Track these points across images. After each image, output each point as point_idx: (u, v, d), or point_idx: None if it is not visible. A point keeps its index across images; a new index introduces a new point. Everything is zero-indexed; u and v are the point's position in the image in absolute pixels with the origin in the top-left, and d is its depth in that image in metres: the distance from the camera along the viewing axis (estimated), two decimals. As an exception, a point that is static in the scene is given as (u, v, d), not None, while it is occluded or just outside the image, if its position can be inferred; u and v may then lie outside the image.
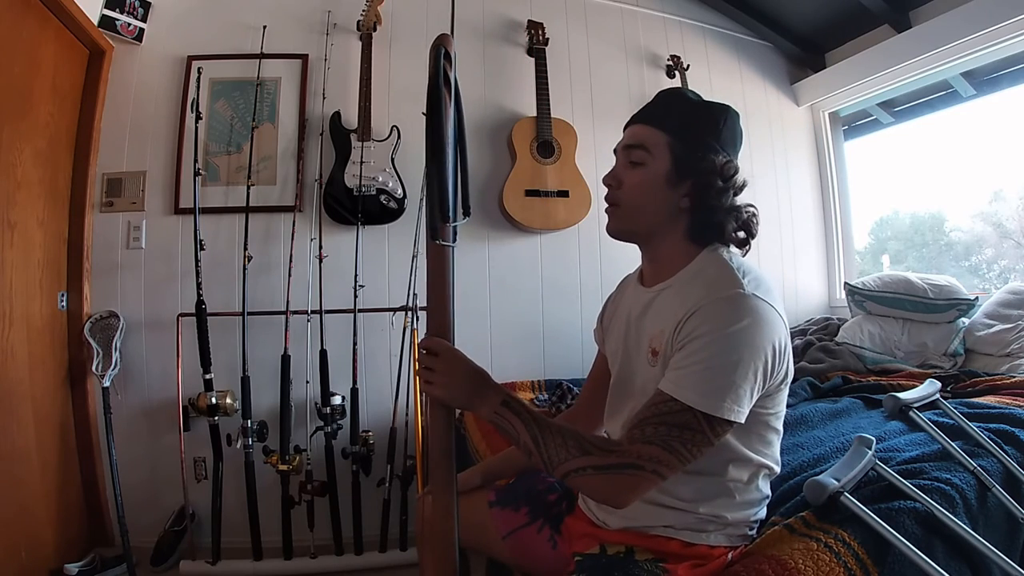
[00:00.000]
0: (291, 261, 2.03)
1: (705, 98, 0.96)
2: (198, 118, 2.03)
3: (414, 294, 1.98)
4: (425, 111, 0.83)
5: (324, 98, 2.17)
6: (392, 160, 2.14)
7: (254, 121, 2.10)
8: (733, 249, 0.94)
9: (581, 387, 1.35)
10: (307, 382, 2.01)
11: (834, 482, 0.94)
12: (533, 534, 1.08)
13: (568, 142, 2.32)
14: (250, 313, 2.00)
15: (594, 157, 2.38)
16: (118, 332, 1.98)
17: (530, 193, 2.26)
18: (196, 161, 2.02)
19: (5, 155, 1.67)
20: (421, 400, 1.88)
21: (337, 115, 2.16)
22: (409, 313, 1.98)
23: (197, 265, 1.93)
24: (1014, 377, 1.69)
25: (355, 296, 2.01)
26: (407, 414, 2.01)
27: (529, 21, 2.41)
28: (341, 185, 2.10)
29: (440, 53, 0.82)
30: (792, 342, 2.30)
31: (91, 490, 2.01)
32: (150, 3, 2.16)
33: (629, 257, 1.00)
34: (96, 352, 1.92)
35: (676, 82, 2.57)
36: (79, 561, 1.80)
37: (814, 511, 0.95)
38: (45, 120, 1.86)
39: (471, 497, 1.16)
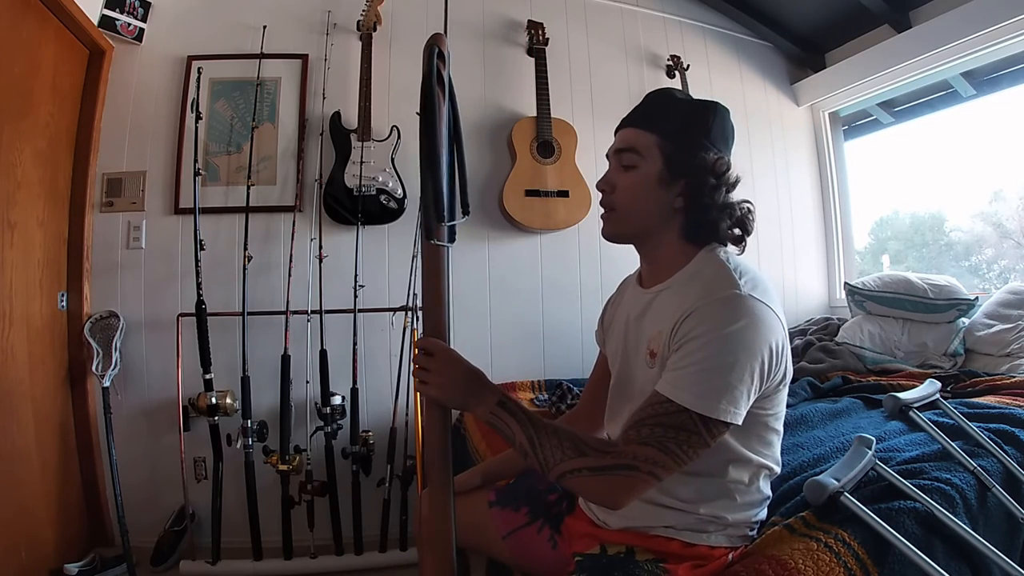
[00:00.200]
0: (291, 261, 2.03)
1: (694, 96, 0.96)
2: (198, 118, 2.03)
3: (414, 294, 1.98)
4: (419, 111, 0.82)
5: (324, 98, 2.17)
6: (392, 160, 2.14)
7: (254, 121, 2.10)
8: (731, 249, 0.94)
9: (581, 387, 1.35)
10: (307, 382, 2.01)
11: (834, 482, 0.94)
12: (533, 534, 1.08)
13: (568, 142, 2.32)
14: (250, 313, 2.00)
15: (594, 157, 2.38)
16: (118, 332, 1.98)
17: (530, 193, 2.26)
18: (196, 161, 2.02)
19: (5, 155, 1.67)
20: (420, 400, 1.89)
21: (337, 115, 2.16)
22: (409, 313, 1.98)
23: (197, 265, 1.93)
24: (1014, 377, 1.69)
25: (355, 296, 2.01)
26: (407, 414, 2.01)
27: (529, 21, 2.41)
28: (341, 185, 2.10)
29: (433, 52, 0.82)
30: (792, 342, 2.32)
31: (91, 490, 2.01)
32: (150, 3, 2.16)
33: (629, 257, 1.00)
34: (96, 352, 1.92)
35: (676, 82, 2.57)
36: (79, 561, 1.80)
37: (814, 511, 0.95)
38: (45, 120, 1.86)
39: (471, 497, 1.16)
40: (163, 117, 2.15)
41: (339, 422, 1.97)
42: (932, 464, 1.10)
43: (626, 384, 0.98)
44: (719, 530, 0.89)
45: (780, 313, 0.84)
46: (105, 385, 1.90)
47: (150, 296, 2.08)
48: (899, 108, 2.72)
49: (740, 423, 0.79)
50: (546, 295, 2.40)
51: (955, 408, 1.31)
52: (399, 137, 2.16)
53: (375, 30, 2.20)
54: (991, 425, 1.27)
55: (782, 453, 0.96)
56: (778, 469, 0.94)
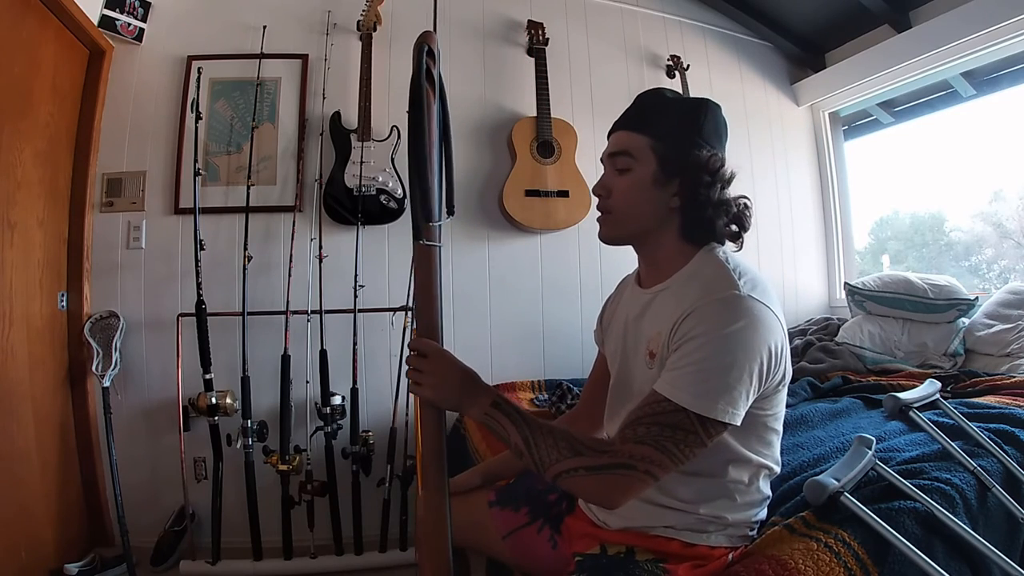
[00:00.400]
0: (291, 261, 2.03)
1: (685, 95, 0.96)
2: (198, 118, 2.03)
3: (414, 294, 1.98)
4: (408, 109, 0.82)
5: (324, 98, 2.17)
6: (392, 160, 2.14)
7: (254, 121, 2.10)
8: (730, 249, 0.93)
9: (581, 387, 1.35)
10: (307, 382, 2.01)
11: (834, 482, 0.94)
12: (533, 534, 1.08)
13: (568, 142, 2.32)
14: (250, 313, 2.00)
15: (594, 157, 2.35)
16: (118, 332, 1.98)
17: (530, 193, 2.26)
18: (196, 161, 2.02)
19: (5, 155, 1.67)
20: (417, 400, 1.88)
21: (337, 115, 2.16)
22: (409, 313, 1.98)
23: (197, 265, 1.93)
24: (1014, 377, 1.69)
25: (355, 296, 2.01)
26: (407, 414, 2.01)
27: (529, 21, 2.41)
28: (341, 185, 2.10)
29: (423, 50, 0.82)
30: (792, 342, 2.32)
31: (91, 490, 2.01)
32: (150, 3, 2.16)
33: (629, 257, 1.00)
34: (96, 352, 1.92)
35: (676, 82, 2.57)
36: (79, 561, 1.80)
37: (814, 511, 0.95)
38: (45, 120, 1.86)
39: (471, 497, 1.16)
40: (163, 117, 2.15)
41: (339, 422, 1.97)
42: (932, 464, 1.10)
43: (625, 384, 0.98)
44: (719, 530, 0.89)
45: (779, 314, 0.84)
46: (105, 385, 1.90)
47: (150, 296, 2.08)
48: (899, 108, 2.72)
49: (738, 424, 0.79)
50: (546, 295, 2.40)
51: (955, 408, 1.31)
52: (399, 137, 2.16)
53: (375, 30, 2.20)
54: (991, 425, 1.27)
55: (782, 453, 0.96)
56: (778, 469, 0.94)
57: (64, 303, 1.98)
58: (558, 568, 1.00)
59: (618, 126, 0.95)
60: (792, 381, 1.95)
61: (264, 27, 2.17)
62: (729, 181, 0.91)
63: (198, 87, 2.05)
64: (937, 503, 0.95)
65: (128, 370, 2.03)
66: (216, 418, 1.94)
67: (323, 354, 1.99)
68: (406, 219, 2.14)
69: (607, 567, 0.89)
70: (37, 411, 1.78)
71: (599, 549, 0.93)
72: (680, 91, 2.52)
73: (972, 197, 2.54)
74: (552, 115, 2.30)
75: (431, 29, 2.36)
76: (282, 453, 1.92)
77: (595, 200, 0.97)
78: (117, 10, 2.08)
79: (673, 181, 0.89)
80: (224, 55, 2.18)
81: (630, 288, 1.03)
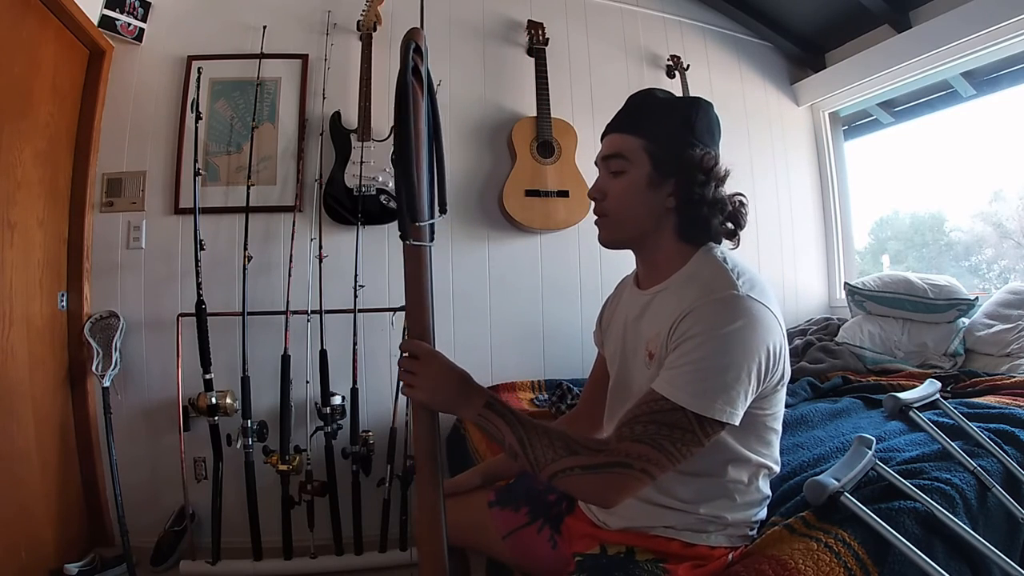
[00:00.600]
0: (291, 261, 2.03)
1: (676, 95, 0.96)
2: (198, 118, 2.03)
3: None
4: (394, 106, 0.81)
5: (324, 98, 2.17)
6: (392, 160, 2.14)
7: (254, 121, 2.10)
8: (728, 249, 0.93)
9: (581, 387, 1.35)
10: (307, 382, 2.01)
11: (834, 482, 0.94)
12: (533, 534, 1.08)
13: (568, 142, 2.32)
14: (250, 313, 2.00)
15: (594, 157, 2.37)
16: (118, 332, 1.98)
17: (530, 193, 2.26)
18: (196, 161, 2.02)
19: (5, 155, 1.67)
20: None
21: (337, 115, 2.16)
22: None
23: (197, 265, 1.93)
24: (1014, 377, 1.69)
25: (355, 296, 2.01)
26: (407, 414, 2.01)
27: (529, 21, 2.41)
28: (341, 185, 2.10)
29: (410, 47, 0.82)
30: (792, 342, 2.32)
31: (91, 490, 2.01)
32: (150, 3, 2.16)
33: (628, 257, 1.00)
34: (96, 352, 1.92)
35: (676, 82, 2.57)
36: (79, 561, 1.80)
37: (814, 511, 0.95)
38: (45, 120, 1.86)
39: (471, 497, 1.16)
40: (163, 117, 2.15)
41: (339, 422, 1.97)
42: (932, 464, 1.10)
43: (625, 385, 0.98)
44: (719, 530, 0.89)
45: (778, 313, 0.84)
46: (105, 385, 1.90)
47: (150, 296, 2.08)
48: (899, 108, 2.72)
49: (737, 423, 0.79)
50: (546, 295, 2.40)
51: (955, 408, 1.31)
52: (399, 137, 2.16)
53: (375, 30, 2.20)
54: (991, 425, 1.27)
55: (782, 453, 0.96)
56: (777, 468, 0.94)
57: (64, 303, 1.98)
58: (558, 568, 1.00)
59: (610, 128, 0.95)
60: (792, 381, 1.96)
61: (264, 27, 2.17)
62: (724, 179, 0.91)
63: (198, 87, 2.05)
64: (937, 503, 0.95)
65: (128, 370, 2.03)
66: (216, 418, 1.94)
67: (323, 354, 1.99)
68: (406, 219, 2.15)
69: (607, 567, 0.89)
70: (37, 411, 1.78)
71: (599, 549, 0.93)
72: (680, 91, 2.52)
73: (972, 197, 2.54)
74: (552, 115, 2.30)
75: (448, 29, 2.37)
76: (282, 453, 1.92)
77: (592, 203, 0.97)
78: (117, 10, 2.08)
79: (668, 181, 0.89)
80: (224, 55, 2.18)
81: (629, 289, 1.03)
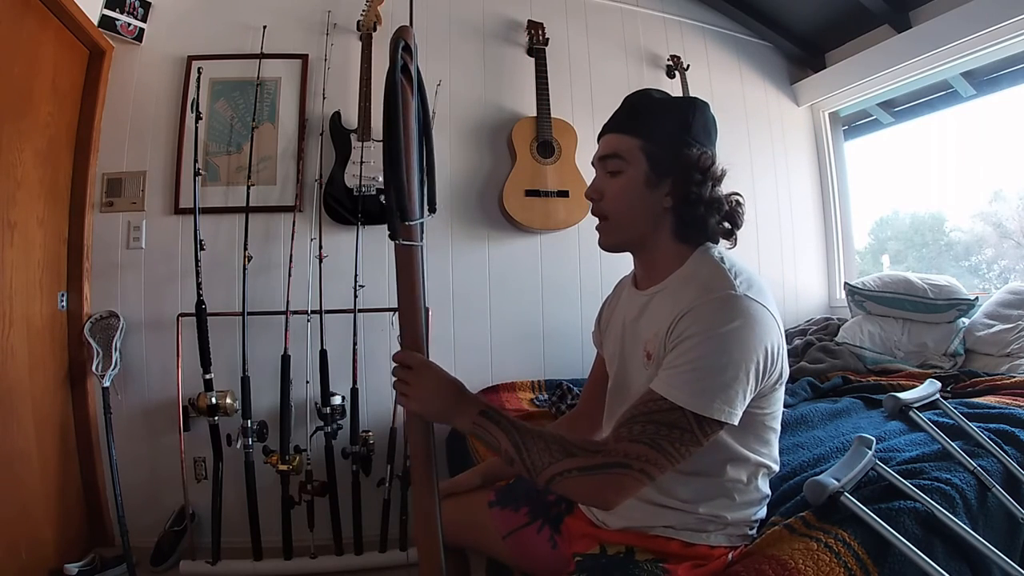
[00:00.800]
0: (291, 261, 2.03)
1: (673, 95, 0.96)
2: (198, 118, 2.03)
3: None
4: (383, 105, 0.81)
5: (324, 98, 2.17)
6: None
7: (254, 121, 2.10)
8: (725, 248, 0.93)
9: (581, 387, 1.35)
10: (307, 382, 2.01)
11: (834, 482, 0.94)
12: (533, 534, 1.08)
13: (568, 142, 2.32)
14: (250, 313, 2.00)
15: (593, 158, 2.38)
16: (118, 332, 1.98)
17: (530, 193, 2.26)
18: (196, 161, 2.02)
19: (5, 155, 1.67)
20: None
21: (337, 115, 2.16)
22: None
23: (197, 265, 1.93)
24: (1014, 377, 1.69)
25: (355, 296, 2.01)
26: (406, 414, 2.01)
27: (529, 21, 2.41)
28: (341, 185, 2.10)
29: (399, 45, 0.81)
30: (792, 342, 2.32)
31: (91, 490, 2.01)
32: (150, 3, 2.16)
33: (628, 257, 1.00)
34: (96, 352, 1.92)
35: (676, 82, 2.57)
36: (79, 561, 1.79)
37: (814, 511, 0.95)
38: (45, 120, 1.86)
39: (471, 497, 1.16)
40: (163, 117, 2.15)
41: (339, 422, 1.97)
42: (932, 464, 1.10)
43: (624, 386, 0.98)
44: (719, 529, 0.89)
45: (775, 313, 0.84)
46: (105, 385, 1.90)
47: (150, 296, 2.08)
48: (899, 108, 2.72)
49: (735, 423, 0.79)
50: (546, 295, 2.40)
51: (955, 408, 1.31)
52: (399, 137, 2.16)
53: (375, 30, 2.20)
54: (991, 425, 1.27)
55: (782, 453, 0.96)
56: (776, 467, 0.94)
57: (64, 303, 1.98)
58: (558, 568, 1.00)
59: (607, 129, 0.96)
60: (792, 381, 1.96)
61: (264, 27, 2.17)
62: (720, 179, 0.91)
63: (198, 87, 2.05)
64: (937, 503, 0.95)
65: (128, 370, 2.02)
66: (216, 418, 1.94)
67: (323, 354, 1.99)
68: (406, 219, 2.15)
69: (607, 567, 0.89)
70: (37, 411, 1.78)
71: (599, 549, 0.93)
72: (680, 91, 2.52)
73: (972, 197, 2.54)
74: (552, 115, 2.30)
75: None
76: (282, 453, 1.92)
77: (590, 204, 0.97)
78: (117, 10, 2.08)
79: (665, 181, 0.89)
80: (224, 55, 2.18)
81: (627, 290, 1.03)
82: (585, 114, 2.47)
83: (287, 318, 1.99)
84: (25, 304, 1.77)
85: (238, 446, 1.91)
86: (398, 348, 0.88)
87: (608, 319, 1.08)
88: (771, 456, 0.92)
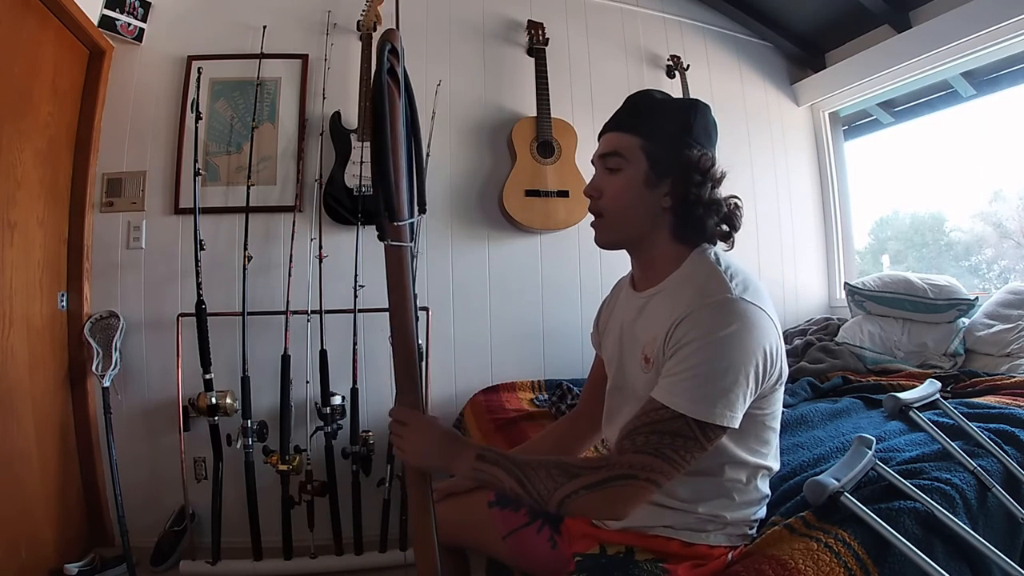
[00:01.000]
0: (291, 261, 2.03)
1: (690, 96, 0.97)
2: (198, 118, 2.03)
3: (414, 294, 1.98)
4: (369, 107, 0.82)
5: (324, 98, 2.17)
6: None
7: (254, 121, 2.10)
8: (721, 249, 0.93)
9: (581, 387, 1.35)
10: (307, 382, 2.01)
11: (834, 482, 0.94)
12: (533, 534, 1.08)
13: (568, 142, 2.32)
14: (250, 313, 2.00)
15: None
16: (118, 332, 1.98)
17: (530, 193, 2.26)
18: (196, 161, 2.02)
19: (5, 155, 1.67)
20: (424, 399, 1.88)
21: (337, 115, 2.16)
22: (412, 302, 1.98)
23: (197, 265, 1.93)
24: (1014, 377, 1.69)
25: (355, 296, 2.01)
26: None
27: (529, 21, 2.41)
28: (341, 185, 2.10)
29: (385, 48, 0.82)
30: (792, 342, 2.32)
31: (91, 490, 2.01)
32: (150, 3, 2.16)
33: (628, 257, 1.00)
34: (96, 352, 1.92)
35: (676, 82, 2.57)
36: (79, 561, 1.79)
37: (814, 511, 0.95)
38: (45, 120, 1.86)
39: (471, 497, 1.16)
40: (163, 117, 2.15)
41: (339, 422, 1.97)
42: (932, 464, 1.10)
43: (623, 387, 0.98)
44: (718, 529, 0.89)
45: (773, 314, 0.84)
46: (105, 385, 1.90)
47: (150, 296, 2.08)
48: (899, 108, 2.72)
49: (737, 426, 0.79)
50: (546, 295, 2.40)
51: (955, 408, 1.31)
52: (399, 137, 2.16)
53: (375, 30, 2.20)
54: (991, 425, 1.27)
55: (782, 453, 0.96)
56: (776, 467, 0.94)
57: (64, 303, 1.98)
58: (558, 568, 1.00)
59: (608, 127, 0.96)
60: (792, 381, 1.96)
61: (264, 27, 2.17)
62: (720, 181, 0.91)
63: (198, 87, 2.05)
64: (937, 503, 0.95)
65: (128, 370, 2.03)
66: (216, 418, 1.94)
67: (323, 354, 1.99)
68: (406, 219, 2.15)
69: (606, 567, 0.89)
70: (37, 411, 1.78)
71: (598, 549, 0.93)
72: (680, 91, 2.52)
73: (972, 197, 2.54)
74: (552, 115, 2.29)
75: (446, 30, 2.37)
76: (282, 453, 1.92)
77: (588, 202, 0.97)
78: (117, 10, 2.08)
79: (664, 181, 0.89)
80: (224, 55, 2.18)
81: (625, 291, 1.03)
82: (585, 114, 2.47)
83: (287, 318, 1.99)
84: (25, 304, 1.77)
85: (238, 446, 1.91)
86: (388, 414, 0.91)
87: (606, 321, 1.08)
88: (771, 456, 0.92)
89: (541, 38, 2.36)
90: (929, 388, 1.36)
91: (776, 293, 2.68)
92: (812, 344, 2.25)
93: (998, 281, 2.41)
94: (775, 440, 0.92)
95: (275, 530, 1.93)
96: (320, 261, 2.03)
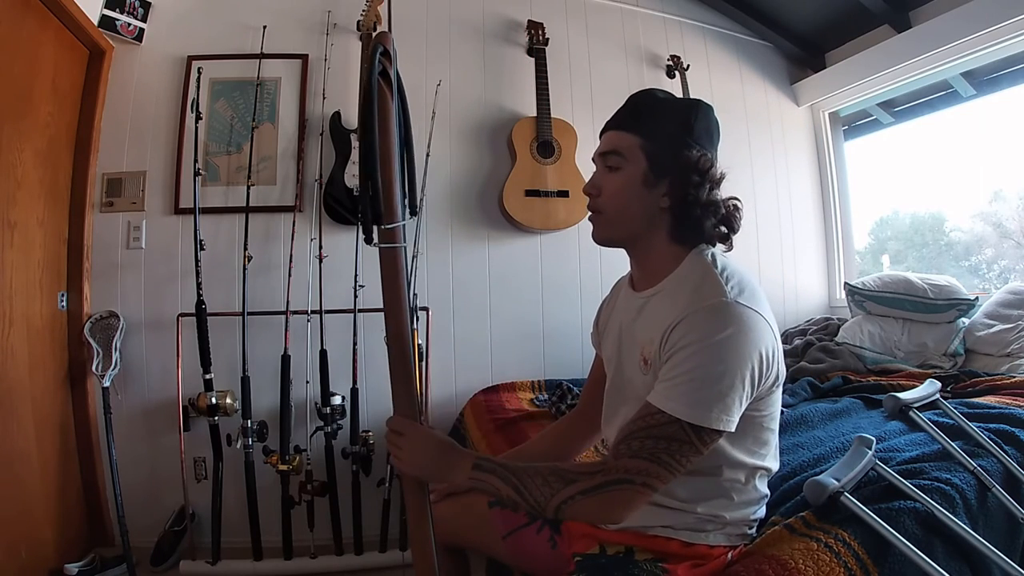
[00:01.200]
0: (291, 261, 2.03)
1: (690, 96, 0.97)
2: (198, 118, 2.03)
3: (414, 294, 1.98)
4: (359, 110, 0.83)
5: (324, 98, 2.17)
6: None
7: (254, 121, 2.10)
8: (719, 250, 0.93)
9: (581, 387, 1.35)
10: (307, 382, 2.01)
11: (834, 482, 0.94)
12: (533, 534, 1.08)
13: (568, 142, 2.32)
14: (250, 313, 2.00)
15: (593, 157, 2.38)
16: (118, 332, 1.98)
17: (530, 193, 2.26)
18: (196, 161, 2.02)
19: (5, 155, 1.67)
20: (423, 400, 1.88)
21: (337, 115, 2.16)
22: (408, 313, 1.98)
23: (197, 265, 1.93)
24: (1014, 377, 1.69)
25: (355, 296, 2.01)
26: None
27: (529, 21, 2.41)
28: (341, 185, 2.10)
29: (376, 51, 0.82)
30: (792, 342, 2.32)
31: (91, 490, 2.01)
32: (150, 3, 2.16)
33: (627, 257, 1.00)
34: (96, 352, 1.92)
35: (676, 82, 2.57)
36: (79, 561, 1.80)
37: (814, 511, 0.95)
38: (45, 120, 1.86)
39: (471, 497, 1.16)
40: (163, 117, 2.15)
41: (339, 422, 1.97)
42: (932, 464, 1.10)
43: (622, 388, 0.98)
44: (718, 529, 0.89)
45: (769, 316, 0.84)
46: (105, 385, 1.90)
47: (150, 296, 2.08)
48: (899, 108, 2.72)
49: (733, 430, 0.79)
50: (546, 295, 2.40)
51: (955, 408, 1.31)
52: (399, 137, 2.16)
53: (375, 30, 2.20)
54: (991, 425, 1.27)
55: (782, 453, 0.96)
56: (775, 467, 0.94)
57: (64, 303, 1.98)
58: (558, 568, 1.00)
59: (609, 126, 0.96)
60: (792, 381, 1.96)
61: (264, 27, 2.17)
62: (719, 182, 0.91)
63: (198, 87, 2.05)
64: (937, 503, 0.95)
65: (128, 370, 2.03)
66: (216, 418, 1.94)
67: (323, 354, 1.99)
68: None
69: (606, 567, 0.89)
70: (37, 411, 1.78)
71: (598, 549, 0.93)
72: (680, 91, 2.52)
73: (972, 197, 2.54)
74: (552, 115, 2.29)
75: (445, 30, 2.37)
76: (282, 453, 1.92)
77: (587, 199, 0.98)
78: (117, 10, 2.08)
79: (663, 181, 0.89)
80: (224, 55, 2.18)
81: (624, 291, 1.03)
82: (585, 114, 2.47)
83: (287, 318, 1.99)
84: (25, 304, 1.77)
85: (238, 446, 1.91)
86: (385, 424, 0.91)
87: (606, 321, 1.08)
88: (770, 457, 0.92)
89: (541, 38, 2.36)
90: (929, 388, 1.36)
91: (776, 293, 2.68)
92: (812, 344, 2.25)
93: (998, 281, 2.41)
94: (774, 441, 0.92)
95: (275, 530, 1.93)
96: (320, 261, 2.03)
